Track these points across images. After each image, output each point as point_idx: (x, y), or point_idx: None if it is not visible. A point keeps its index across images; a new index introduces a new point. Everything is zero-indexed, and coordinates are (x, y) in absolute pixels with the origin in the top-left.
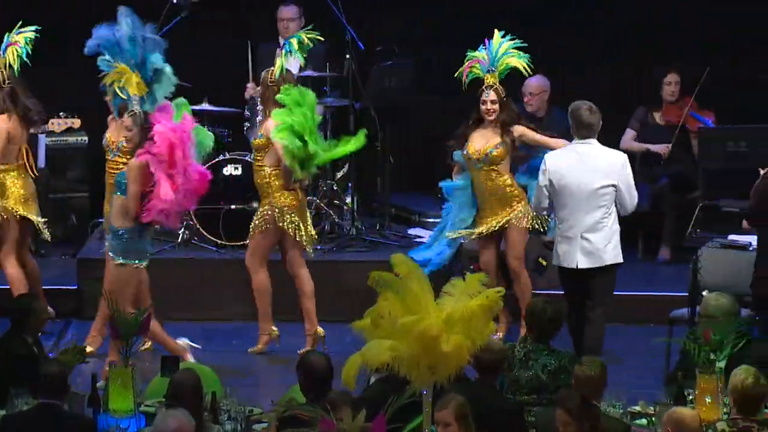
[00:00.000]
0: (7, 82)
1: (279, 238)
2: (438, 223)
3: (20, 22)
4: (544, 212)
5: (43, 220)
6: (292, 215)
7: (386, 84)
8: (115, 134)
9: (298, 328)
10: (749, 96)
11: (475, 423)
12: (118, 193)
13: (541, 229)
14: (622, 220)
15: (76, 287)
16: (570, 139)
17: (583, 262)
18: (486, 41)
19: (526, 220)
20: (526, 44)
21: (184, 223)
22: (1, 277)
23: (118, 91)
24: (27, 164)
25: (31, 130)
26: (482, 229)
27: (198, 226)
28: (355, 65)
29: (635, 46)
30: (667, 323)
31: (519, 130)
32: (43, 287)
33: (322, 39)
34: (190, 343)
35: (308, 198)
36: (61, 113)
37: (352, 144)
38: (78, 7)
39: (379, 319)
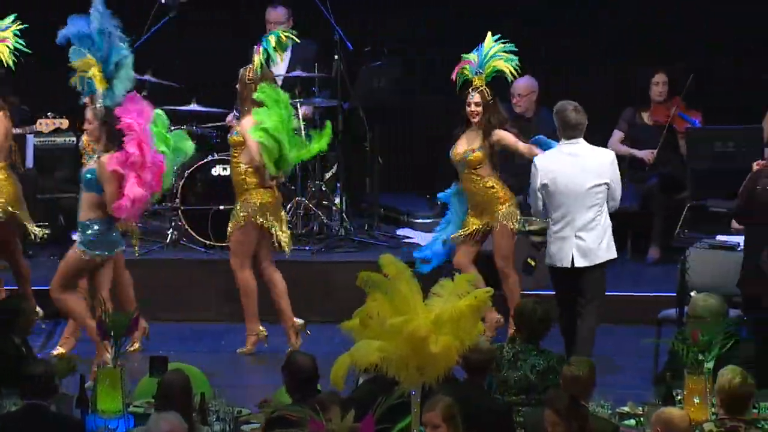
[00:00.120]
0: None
1: (259, 234)
2: (431, 225)
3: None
4: (539, 214)
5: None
6: (267, 213)
7: (375, 84)
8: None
9: (282, 328)
10: (752, 96)
11: (464, 424)
12: (86, 190)
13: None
14: (611, 220)
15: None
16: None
17: (578, 262)
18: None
19: (511, 221)
20: (516, 48)
21: (173, 223)
22: None
23: (79, 82)
24: (14, 161)
25: (19, 130)
26: (461, 232)
27: (186, 227)
28: (344, 66)
29: (638, 46)
30: (656, 324)
31: (498, 135)
32: (32, 287)
33: (298, 41)
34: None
35: (297, 198)
36: (48, 113)
37: (323, 140)
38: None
39: (368, 320)
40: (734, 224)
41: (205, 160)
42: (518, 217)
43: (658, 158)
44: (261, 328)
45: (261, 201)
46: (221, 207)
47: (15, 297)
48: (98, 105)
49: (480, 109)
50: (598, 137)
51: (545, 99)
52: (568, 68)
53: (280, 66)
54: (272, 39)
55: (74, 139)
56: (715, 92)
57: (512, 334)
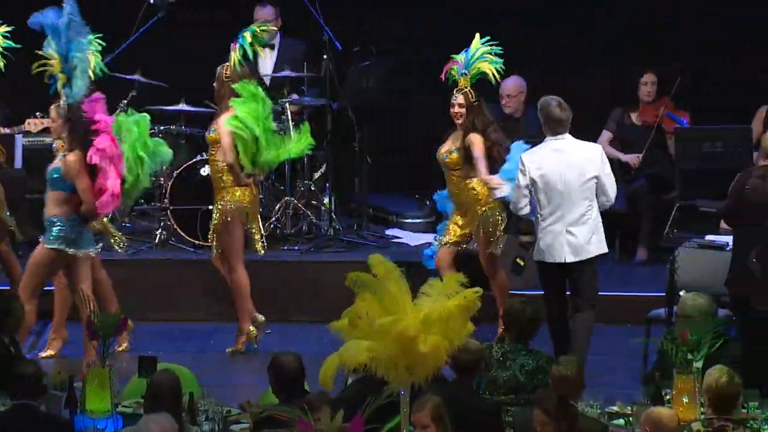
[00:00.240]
0: None
1: (244, 228)
2: (420, 225)
3: None
4: (523, 213)
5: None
6: (246, 212)
7: (364, 84)
8: None
9: (273, 328)
10: (749, 96)
11: (453, 423)
12: (51, 189)
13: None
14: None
15: (52, 287)
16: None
17: (569, 257)
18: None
19: (491, 223)
20: (502, 50)
21: (162, 223)
22: None
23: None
24: None
25: (7, 130)
26: (441, 238)
27: (175, 227)
28: (333, 65)
29: (635, 46)
30: (645, 323)
31: (471, 140)
32: None
33: (276, 28)
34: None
35: (286, 198)
36: (37, 113)
37: (302, 141)
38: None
39: (357, 320)
40: (723, 225)
41: (194, 160)
42: (501, 219)
43: (647, 158)
44: (252, 327)
45: (238, 199)
46: (210, 207)
47: (5, 297)
48: (62, 102)
49: (463, 110)
50: (593, 137)
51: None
52: (564, 68)
53: (267, 65)
54: (248, 35)
55: None
56: (712, 92)
57: (501, 333)
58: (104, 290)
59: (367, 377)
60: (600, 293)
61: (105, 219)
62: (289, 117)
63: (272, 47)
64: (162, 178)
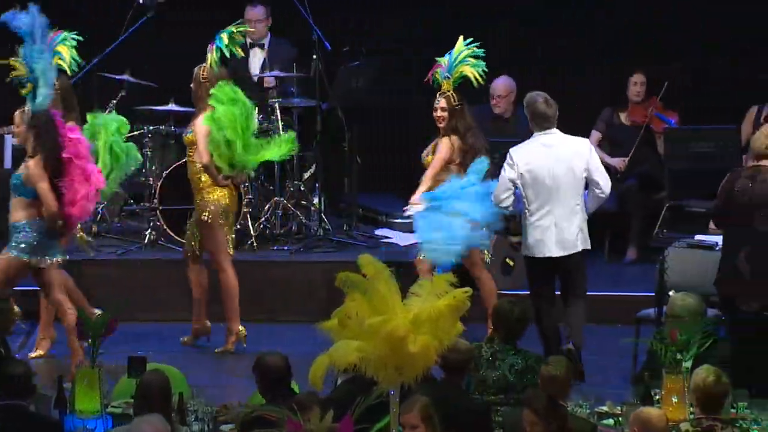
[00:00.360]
0: None
1: (223, 228)
2: (409, 225)
3: None
4: (504, 207)
5: None
6: (225, 212)
7: (353, 84)
8: None
9: (262, 328)
10: (749, 96)
11: (442, 423)
12: (14, 195)
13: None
14: (589, 221)
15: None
16: None
17: (558, 251)
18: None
19: None
20: (484, 54)
21: (151, 223)
22: None
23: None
24: None
25: None
26: None
27: (165, 227)
28: (322, 65)
29: (635, 46)
30: (634, 323)
31: (440, 141)
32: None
33: (253, 30)
34: None
35: (276, 198)
36: None
37: (284, 145)
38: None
39: (347, 320)
40: (712, 226)
41: (183, 161)
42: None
43: (636, 158)
44: (241, 327)
45: (217, 199)
46: None
47: None
48: (26, 108)
49: (446, 114)
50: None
51: None
52: (564, 68)
53: (256, 65)
54: (225, 37)
55: None
56: (712, 92)
57: (490, 333)
58: (72, 292)
59: (356, 377)
60: (590, 293)
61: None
62: (279, 117)
63: (262, 47)
64: (151, 179)
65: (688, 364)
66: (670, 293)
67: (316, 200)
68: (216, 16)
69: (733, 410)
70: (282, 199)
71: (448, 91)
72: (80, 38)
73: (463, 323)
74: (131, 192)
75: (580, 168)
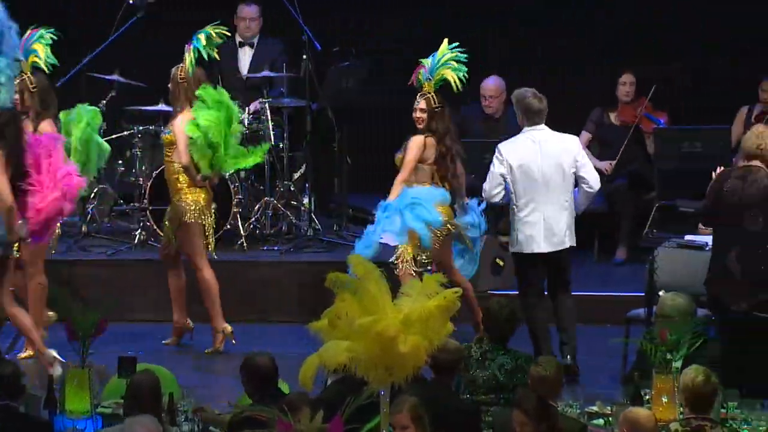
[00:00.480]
0: None
1: (201, 229)
2: None
3: None
4: (494, 201)
5: None
6: (203, 212)
7: (343, 84)
8: None
9: (252, 328)
10: (749, 96)
11: (432, 424)
12: None
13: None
14: (578, 221)
15: None
16: None
17: (548, 247)
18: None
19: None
20: (467, 58)
21: (141, 223)
22: None
23: None
24: None
25: None
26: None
27: (154, 227)
28: (312, 66)
29: (635, 46)
30: (624, 323)
31: (409, 142)
32: None
33: (229, 34)
34: (58, 357)
35: (265, 198)
36: None
37: (256, 156)
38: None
39: (337, 320)
40: (701, 226)
41: None
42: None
43: (626, 158)
44: (226, 325)
45: (195, 200)
46: None
47: None
48: None
49: (425, 115)
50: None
51: None
52: (564, 68)
53: (246, 65)
54: (202, 37)
55: None
56: (712, 92)
57: (480, 334)
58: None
59: (346, 378)
60: (579, 293)
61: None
62: (269, 117)
63: (252, 46)
64: (141, 179)
65: (678, 364)
66: (660, 293)
67: (306, 200)
68: (206, 16)
69: (723, 410)
70: (272, 199)
71: (429, 92)
72: (55, 36)
73: (453, 323)
74: (121, 192)
75: (569, 164)
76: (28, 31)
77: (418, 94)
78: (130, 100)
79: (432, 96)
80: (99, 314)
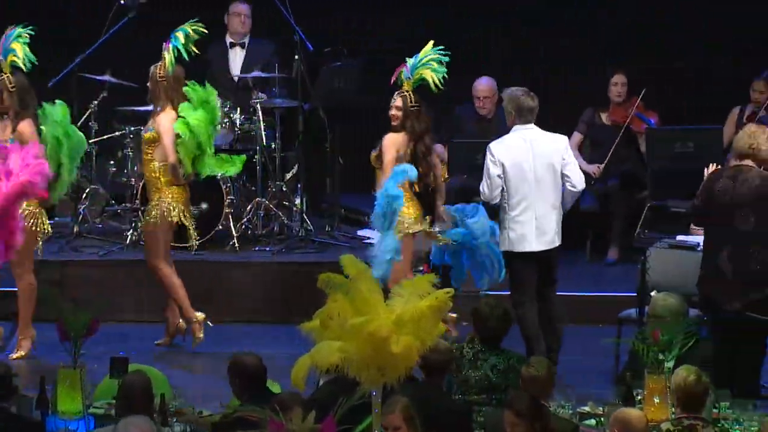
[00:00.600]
0: None
1: (173, 230)
2: None
3: None
4: (495, 202)
5: None
6: (182, 210)
7: (335, 85)
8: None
9: (243, 329)
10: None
11: (424, 424)
12: None
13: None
14: (570, 221)
15: (15, 288)
16: None
17: (539, 246)
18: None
19: (403, 225)
20: (448, 59)
21: (133, 224)
22: None
23: None
24: None
25: None
26: None
27: None
28: (304, 66)
29: (637, 46)
30: (616, 324)
31: (384, 140)
32: None
33: (207, 30)
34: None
35: (257, 199)
36: None
37: (236, 164)
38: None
39: (329, 321)
40: (692, 227)
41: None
42: (406, 224)
43: (618, 158)
44: (198, 313)
45: (175, 199)
46: None
47: None
48: None
49: (400, 113)
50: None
51: (544, 99)
52: (566, 68)
53: (237, 65)
54: (181, 35)
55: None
56: (714, 92)
57: (472, 334)
58: None
59: (339, 378)
60: (571, 293)
61: None
62: (260, 117)
63: (243, 46)
64: (133, 179)
65: (670, 364)
66: (652, 293)
67: (297, 201)
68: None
69: (715, 410)
70: (264, 199)
71: (407, 91)
72: (32, 32)
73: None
74: (113, 192)
75: (559, 163)
76: (6, 30)
77: (396, 92)
78: (121, 101)
79: (409, 94)
80: (91, 315)
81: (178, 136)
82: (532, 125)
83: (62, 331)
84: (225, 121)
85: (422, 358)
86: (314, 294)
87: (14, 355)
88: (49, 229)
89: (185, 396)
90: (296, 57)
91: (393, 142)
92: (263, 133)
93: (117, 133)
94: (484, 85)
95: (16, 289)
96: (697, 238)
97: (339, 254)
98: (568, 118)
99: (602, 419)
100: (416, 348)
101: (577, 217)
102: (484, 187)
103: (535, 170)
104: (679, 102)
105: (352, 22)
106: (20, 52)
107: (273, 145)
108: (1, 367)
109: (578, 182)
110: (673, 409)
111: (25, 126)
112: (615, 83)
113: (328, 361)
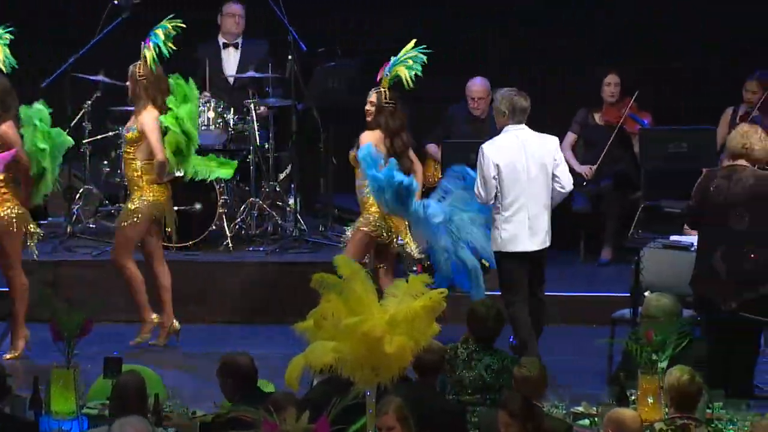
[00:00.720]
0: None
1: (148, 231)
2: None
3: None
4: (491, 204)
5: None
6: (162, 209)
7: (329, 85)
8: None
9: (237, 329)
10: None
11: (418, 424)
12: None
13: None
14: (563, 222)
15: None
16: None
17: (532, 246)
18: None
19: (368, 226)
20: (425, 57)
21: None
22: None
23: None
24: None
25: None
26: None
27: None
28: (298, 66)
29: (635, 46)
30: (610, 324)
31: (362, 138)
32: None
33: (185, 25)
34: None
35: (251, 199)
36: None
37: (227, 168)
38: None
39: (322, 321)
40: (686, 228)
41: None
42: (382, 226)
43: (611, 158)
44: (154, 315)
45: (156, 197)
46: (174, 208)
47: None
48: None
49: (373, 109)
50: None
51: (541, 99)
52: (564, 68)
53: (231, 66)
54: (161, 33)
55: None
56: (711, 92)
57: (466, 334)
58: None
59: (332, 378)
60: (565, 294)
61: None
62: (254, 118)
63: (236, 47)
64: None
65: (664, 364)
66: (646, 294)
67: (291, 201)
68: (191, 16)
69: (708, 410)
70: (257, 199)
71: (383, 88)
72: (12, 36)
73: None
74: (106, 193)
75: (551, 164)
76: None
77: (372, 88)
78: (115, 101)
79: (384, 91)
80: (84, 315)
81: (167, 129)
82: (524, 126)
83: (56, 331)
84: (219, 121)
85: (415, 358)
86: (308, 294)
87: (8, 356)
88: (37, 230)
89: (180, 397)
90: (290, 57)
91: (369, 139)
92: (257, 133)
93: (110, 134)
94: (478, 85)
95: (6, 289)
96: (691, 239)
97: (333, 254)
98: (565, 119)
99: (596, 419)
100: (410, 348)
101: (570, 217)
102: (479, 189)
103: (529, 170)
104: (676, 102)
105: (350, 22)
106: (0, 54)
107: (266, 146)
108: None
109: (567, 183)
110: (667, 409)
111: (6, 128)
112: (608, 83)
113: (322, 361)
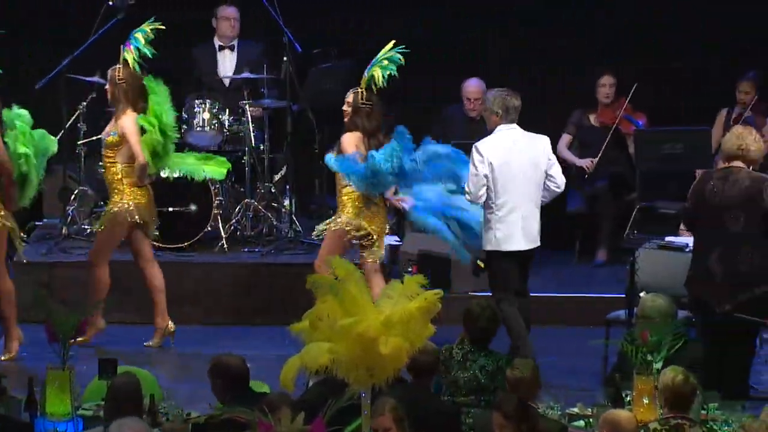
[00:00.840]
0: None
1: (129, 234)
2: None
3: None
4: (481, 202)
5: None
6: (143, 211)
7: (324, 86)
8: None
9: (232, 330)
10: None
11: (413, 426)
12: None
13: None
14: (559, 222)
15: None
16: None
17: (526, 245)
18: None
19: (341, 226)
20: (401, 58)
21: None
22: None
23: None
24: None
25: None
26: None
27: None
28: (293, 67)
29: (635, 46)
30: (605, 325)
31: (342, 141)
32: None
33: (164, 27)
34: None
35: (246, 200)
36: None
37: (220, 167)
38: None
39: (318, 322)
40: (682, 228)
41: None
42: (348, 223)
43: (608, 158)
44: (103, 322)
45: (136, 200)
46: (169, 209)
47: None
48: None
49: (349, 109)
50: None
51: (541, 99)
52: (564, 68)
53: (227, 68)
54: (140, 36)
55: None
56: (711, 92)
57: (462, 335)
58: None
59: (328, 379)
60: (560, 294)
61: None
62: (249, 119)
63: (232, 49)
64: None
65: (659, 365)
66: (641, 294)
67: (286, 202)
68: (186, 17)
69: (703, 411)
70: (252, 200)
71: (360, 89)
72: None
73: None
74: (101, 194)
75: (544, 163)
76: None
77: (351, 89)
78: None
79: (361, 92)
80: (79, 316)
81: (143, 130)
82: (516, 125)
83: (51, 332)
84: (214, 122)
85: (410, 359)
86: (303, 295)
87: (3, 357)
88: (19, 232)
89: (175, 398)
90: (285, 58)
91: (351, 141)
92: (252, 134)
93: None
94: (474, 86)
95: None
96: (686, 239)
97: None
98: (565, 119)
99: (591, 420)
100: (405, 349)
101: (565, 218)
102: (469, 185)
103: (523, 169)
104: (676, 102)
105: (350, 22)
106: None
107: (262, 147)
108: None
109: (562, 183)
110: (661, 410)
111: None
112: (603, 84)
113: (318, 362)
